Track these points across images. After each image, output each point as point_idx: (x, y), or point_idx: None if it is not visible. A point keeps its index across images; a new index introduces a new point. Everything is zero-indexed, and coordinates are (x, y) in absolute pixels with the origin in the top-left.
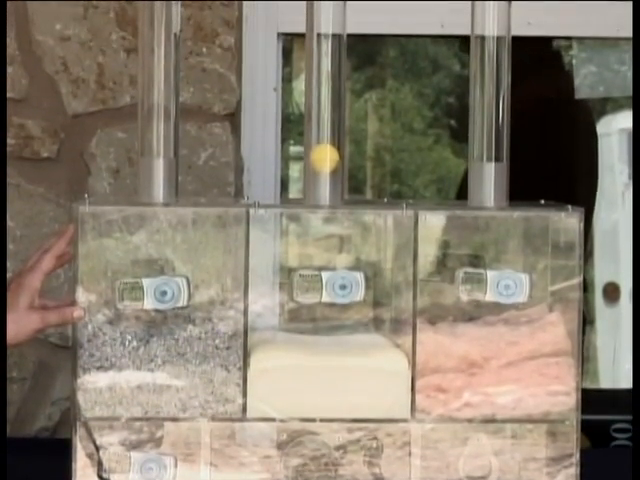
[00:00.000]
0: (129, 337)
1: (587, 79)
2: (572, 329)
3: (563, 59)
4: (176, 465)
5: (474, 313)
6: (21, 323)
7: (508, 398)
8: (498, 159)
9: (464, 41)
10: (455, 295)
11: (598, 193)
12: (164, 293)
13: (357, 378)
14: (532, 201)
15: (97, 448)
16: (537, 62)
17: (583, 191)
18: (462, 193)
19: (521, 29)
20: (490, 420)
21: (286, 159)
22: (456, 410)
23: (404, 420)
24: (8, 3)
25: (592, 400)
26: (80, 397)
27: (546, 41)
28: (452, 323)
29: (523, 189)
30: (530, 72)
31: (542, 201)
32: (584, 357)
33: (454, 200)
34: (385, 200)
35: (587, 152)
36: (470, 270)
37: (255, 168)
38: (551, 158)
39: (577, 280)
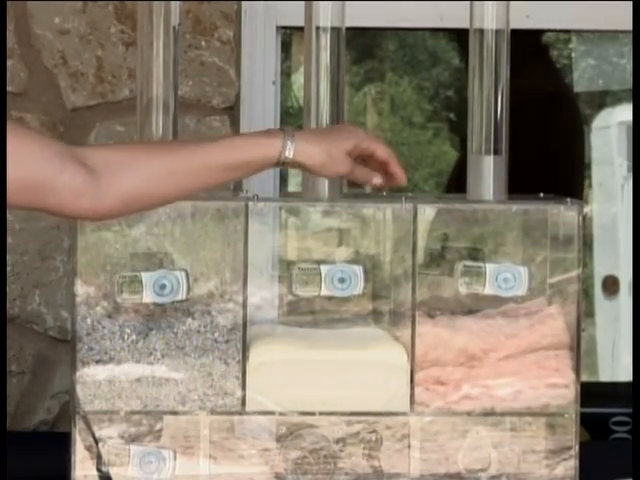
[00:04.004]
0: (128, 330)
1: (586, 72)
2: (571, 322)
3: (558, 52)
4: (175, 458)
5: (473, 306)
6: (334, 158)
7: (507, 390)
8: (497, 152)
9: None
10: (454, 288)
11: (597, 187)
12: (163, 287)
13: (356, 371)
14: (531, 194)
15: (96, 441)
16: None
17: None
18: (453, 184)
19: (520, 22)
20: (489, 413)
21: None
22: (455, 403)
23: (403, 413)
24: None
25: (591, 393)
26: (79, 390)
27: (539, 34)
28: (451, 316)
29: (523, 182)
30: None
31: (541, 194)
32: (583, 350)
33: (452, 193)
34: (384, 193)
35: (574, 147)
36: (469, 263)
37: None
38: (544, 152)
39: (576, 272)
